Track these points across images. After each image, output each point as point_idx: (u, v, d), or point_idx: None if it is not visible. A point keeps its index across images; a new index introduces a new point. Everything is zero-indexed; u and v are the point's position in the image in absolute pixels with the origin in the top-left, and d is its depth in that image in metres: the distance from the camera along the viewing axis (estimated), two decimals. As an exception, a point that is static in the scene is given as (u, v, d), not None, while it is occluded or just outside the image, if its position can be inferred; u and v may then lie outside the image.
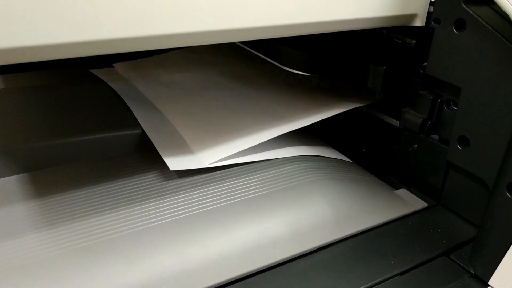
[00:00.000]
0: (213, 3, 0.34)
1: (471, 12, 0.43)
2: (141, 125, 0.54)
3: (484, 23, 0.43)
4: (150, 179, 0.49)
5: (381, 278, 0.41)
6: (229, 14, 0.35)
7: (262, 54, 0.57)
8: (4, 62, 0.29)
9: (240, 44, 0.61)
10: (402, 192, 0.54)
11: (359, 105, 0.57)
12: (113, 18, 0.31)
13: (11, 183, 0.47)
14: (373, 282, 0.40)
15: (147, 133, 0.52)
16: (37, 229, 0.41)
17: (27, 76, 0.69)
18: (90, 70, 0.71)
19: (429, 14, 0.47)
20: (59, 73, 0.70)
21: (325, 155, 0.58)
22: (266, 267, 0.41)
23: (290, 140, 0.57)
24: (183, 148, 0.51)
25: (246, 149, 0.52)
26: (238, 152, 0.51)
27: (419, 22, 0.47)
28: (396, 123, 0.56)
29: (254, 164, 0.52)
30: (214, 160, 0.50)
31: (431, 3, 0.47)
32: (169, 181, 0.48)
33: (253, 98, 0.63)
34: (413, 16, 0.47)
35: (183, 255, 0.40)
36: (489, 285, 0.42)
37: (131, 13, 0.32)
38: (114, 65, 0.72)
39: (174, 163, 0.48)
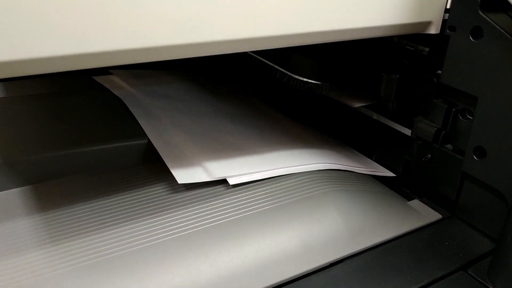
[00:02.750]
0: (227, 13, 0.33)
1: (488, 19, 0.42)
2: (148, 135, 0.53)
3: (502, 31, 0.41)
4: (157, 191, 0.47)
5: (398, 295, 0.40)
6: (242, 24, 0.34)
7: (271, 62, 0.55)
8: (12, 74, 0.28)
9: (249, 52, 0.60)
10: (415, 203, 0.53)
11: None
12: (125, 29, 0.30)
13: (14, 196, 0.46)
14: (390, 300, 0.39)
15: (154, 144, 0.51)
16: (42, 245, 0.40)
17: (29, 83, 0.68)
18: (93, 77, 0.70)
19: (444, 21, 0.46)
20: (61, 81, 0.69)
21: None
22: (278, 284, 0.40)
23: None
24: (191, 160, 0.49)
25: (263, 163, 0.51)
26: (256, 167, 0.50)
27: (433, 29, 0.46)
28: (408, 132, 0.55)
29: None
30: (227, 175, 0.48)
31: (446, 10, 0.45)
32: (177, 194, 0.47)
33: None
34: (427, 24, 0.46)
35: (193, 273, 0.38)
36: (509, 302, 0.40)
37: (141, 24, 0.31)
38: (111, 71, 0.71)
39: (182, 176, 0.47)
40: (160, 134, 0.54)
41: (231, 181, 0.48)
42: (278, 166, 0.52)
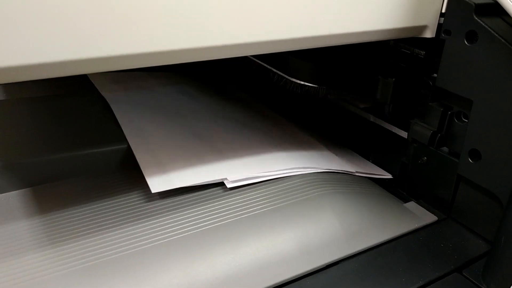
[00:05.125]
0: (225, 18, 0.34)
1: (483, 24, 0.43)
2: (128, 140, 0.52)
3: (496, 35, 0.42)
4: (155, 194, 0.47)
5: (393, 297, 0.40)
6: (241, 29, 0.35)
7: (268, 65, 0.56)
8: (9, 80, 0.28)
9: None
10: (411, 205, 0.53)
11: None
12: (121, 34, 0.30)
13: (12, 198, 0.46)
14: (386, 301, 0.40)
15: (132, 150, 0.50)
16: (40, 247, 0.40)
17: (27, 85, 0.68)
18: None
19: (439, 25, 0.46)
20: (60, 83, 0.69)
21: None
22: (275, 286, 0.40)
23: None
24: (168, 167, 0.49)
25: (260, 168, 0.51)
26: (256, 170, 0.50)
27: (429, 33, 0.47)
28: (404, 134, 0.55)
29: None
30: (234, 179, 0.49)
31: (441, 15, 0.46)
32: (174, 197, 0.47)
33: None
34: (423, 28, 0.46)
35: (190, 275, 0.38)
36: (503, 303, 0.41)
37: (141, 29, 0.31)
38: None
39: (156, 184, 0.46)
40: (141, 139, 0.53)
41: (229, 185, 0.48)
42: (273, 169, 0.51)
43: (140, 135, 0.54)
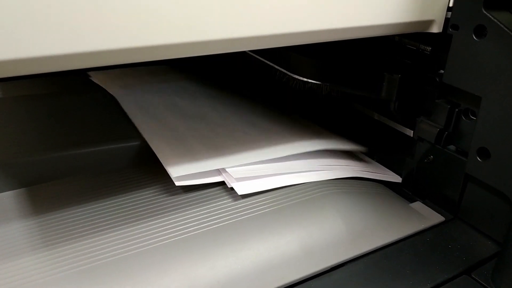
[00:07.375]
0: (224, 11, 0.33)
1: (492, 18, 0.41)
2: (142, 134, 0.52)
3: (506, 29, 0.40)
4: (154, 194, 0.46)
5: (401, 300, 0.39)
6: (240, 22, 0.33)
7: (270, 61, 0.54)
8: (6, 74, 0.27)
9: (248, 51, 0.60)
10: (418, 205, 0.52)
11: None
12: (116, 28, 0.29)
13: (8, 198, 0.45)
14: (393, 305, 0.38)
15: (148, 142, 0.50)
16: (36, 249, 0.39)
17: (24, 83, 0.67)
18: (90, 78, 0.69)
19: (446, 20, 0.45)
20: (57, 81, 0.68)
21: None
22: (278, 289, 0.39)
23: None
24: (186, 156, 0.48)
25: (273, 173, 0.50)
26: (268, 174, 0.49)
27: (436, 28, 0.45)
28: (410, 132, 0.54)
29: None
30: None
31: (449, 9, 0.45)
32: (174, 197, 0.46)
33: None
34: (430, 22, 0.45)
35: (190, 278, 0.37)
36: (514, 306, 0.40)
37: (136, 22, 0.30)
38: (89, 73, 0.70)
39: (177, 170, 0.46)
40: (155, 133, 0.53)
41: (240, 191, 0.47)
42: (280, 156, 0.51)
43: (152, 128, 0.54)
